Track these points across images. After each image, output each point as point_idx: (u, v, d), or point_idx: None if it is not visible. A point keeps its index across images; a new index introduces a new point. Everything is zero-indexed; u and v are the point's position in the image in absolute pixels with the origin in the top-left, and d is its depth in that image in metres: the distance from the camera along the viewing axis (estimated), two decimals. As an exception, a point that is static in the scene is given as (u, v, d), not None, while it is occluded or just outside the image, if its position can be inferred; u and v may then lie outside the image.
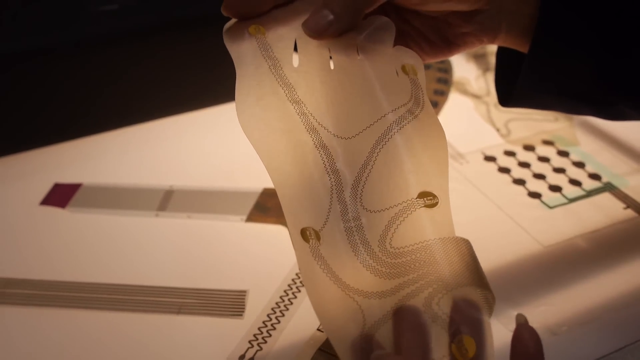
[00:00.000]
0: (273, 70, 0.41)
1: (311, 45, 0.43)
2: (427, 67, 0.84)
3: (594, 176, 0.68)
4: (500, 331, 0.50)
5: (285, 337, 0.50)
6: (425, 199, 0.40)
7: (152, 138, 0.74)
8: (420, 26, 0.48)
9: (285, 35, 0.43)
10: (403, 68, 0.44)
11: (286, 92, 0.41)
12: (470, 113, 0.79)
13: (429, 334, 0.35)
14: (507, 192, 0.66)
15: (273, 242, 0.60)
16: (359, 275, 0.37)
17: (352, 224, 0.39)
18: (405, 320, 0.35)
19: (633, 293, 0.54)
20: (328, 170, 0.40)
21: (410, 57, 0.45)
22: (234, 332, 0.51)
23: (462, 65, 0.87)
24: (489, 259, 0.57)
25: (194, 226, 0.62)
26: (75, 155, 0.72)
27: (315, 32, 0.42)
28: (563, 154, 0.72)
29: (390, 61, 0.44)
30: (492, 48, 0.84)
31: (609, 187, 0.67)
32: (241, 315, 0.52)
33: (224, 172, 0.69)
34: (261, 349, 0.49)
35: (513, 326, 0.50)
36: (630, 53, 0.45)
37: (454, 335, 0.35)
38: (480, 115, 0.79)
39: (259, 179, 0.66)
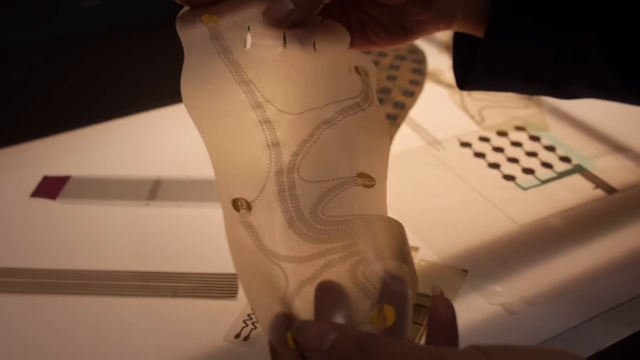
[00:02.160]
0: (222, 56, 0.42)
1: (266, 31, 0.44)
2: (402, 58, 0.87)
3: (564, 159, 0.72)
4: (481, 304, 0.53)
5: (278, 316, 0.52)
6: (363, 179, 0.41)
7: (137, 130, 0.76)
8: (378, 15, 0.49)
9: (239, 23, 0.44)
10: (357, 69, 0.46)
11: (234, 74, 0.42)
12: (445, 101, 0.82)
13: (348, 300, 0.36)
14: (483, 176, 0.69)
15: (261, 227, 0.62)
16: (287, 241, 0.38)
17: (287, 194, 0.39)
18: (325, 289, 0.36)
19: (603, 267, 0.57)
20: (269, 143, 0.40)
21: (364, 61, 0.46)
22: (228, 312, 0.53)
23: (435, 56, 0.90)
24: (469, 239, 0.60)
25: (184, 214, 0.64)
26: (63, 149, 0.73)
27: (275, 19, 0.44)
28: (534, 138, 0.75)
29: (344, 59, 0.46)
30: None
31: (578, 169, 0.70)
32: (234, 296, 0.54)
33: (208, 162, 0.70)
34: (255, 327, 0.51)
35: (494, 300, 0.54)
36: (579, 35, 0.46)
37: (377, 304, 0.36)
38: (455, 104, 0.82)
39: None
